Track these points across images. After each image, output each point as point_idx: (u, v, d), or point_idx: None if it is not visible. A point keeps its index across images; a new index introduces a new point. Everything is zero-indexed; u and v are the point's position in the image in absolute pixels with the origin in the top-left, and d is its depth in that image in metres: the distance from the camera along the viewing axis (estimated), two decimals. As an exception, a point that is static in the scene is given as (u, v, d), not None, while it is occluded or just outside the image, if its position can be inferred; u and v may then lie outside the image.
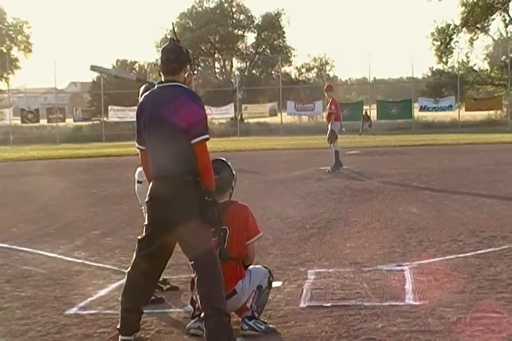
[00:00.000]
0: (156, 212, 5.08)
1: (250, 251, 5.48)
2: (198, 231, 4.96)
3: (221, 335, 4.91)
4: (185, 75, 5.26)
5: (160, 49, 5.35)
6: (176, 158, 5.00)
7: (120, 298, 5.32)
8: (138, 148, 5.29)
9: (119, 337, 5.20)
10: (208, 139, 5.04)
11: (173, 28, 5.83)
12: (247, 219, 5.47)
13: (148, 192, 5.15)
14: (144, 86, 6.39)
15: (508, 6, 53.22)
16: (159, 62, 5.21)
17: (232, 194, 5.67)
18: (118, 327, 5.24)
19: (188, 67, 5.26)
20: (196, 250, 5.00)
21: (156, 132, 5.07)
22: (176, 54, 5.18)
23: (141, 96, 5.47)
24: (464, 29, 54.28)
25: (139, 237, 5.23)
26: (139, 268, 5.21)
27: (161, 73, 5.21)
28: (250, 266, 5.53)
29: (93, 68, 6.62)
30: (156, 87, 5.25)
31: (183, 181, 4.97)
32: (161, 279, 6.57)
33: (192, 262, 5.08)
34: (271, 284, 5.60)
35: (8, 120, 49.31)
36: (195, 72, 5.46)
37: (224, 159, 5.74)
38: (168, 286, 6.76)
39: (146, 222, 5.21)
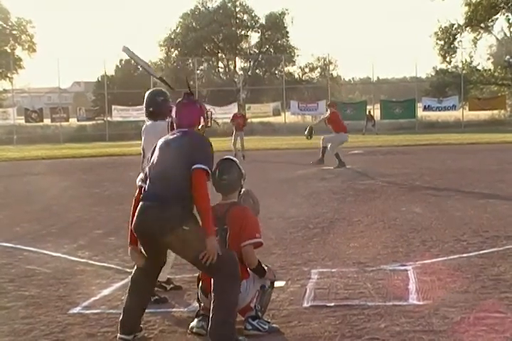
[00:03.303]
0: (148, 244, 5.18)
1: (244, 254, 5.31)
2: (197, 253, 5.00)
3: (224, 334, 4.93)
4: (199, 127, 5.47)
5: (174, 101, 5.62)
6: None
7: (124, 297, 5.35)
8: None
9: (118, 335, 5.23)
10: (207, 172, 5.06)
11: (188, 83, 5.86)
12: (245, 221, 5.38)
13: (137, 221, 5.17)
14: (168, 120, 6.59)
15: (511, 5, 53.12)
16: (173, 115, 5.47)
17: (240, 192, 5.65)
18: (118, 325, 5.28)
19: (202, 119, 5.47)
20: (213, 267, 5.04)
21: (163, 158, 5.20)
22: (190, 111, 5.40)
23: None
24: (467, 28, 54.19)
25: None
26: (141, 270, 5.27)
27: (175, 125, 5.48)
28: None
29: (125, 50, 6.54)
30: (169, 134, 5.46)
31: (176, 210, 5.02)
32: (164, 279, 6.60)
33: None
34: (273, 283, 5.60)
35: (12, 119, 49.39)
36: (209, 124, 5.60)
37: (233, 158, 5.74)
38: (171, 286, 6.77)
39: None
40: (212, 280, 5.12)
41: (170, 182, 5.02)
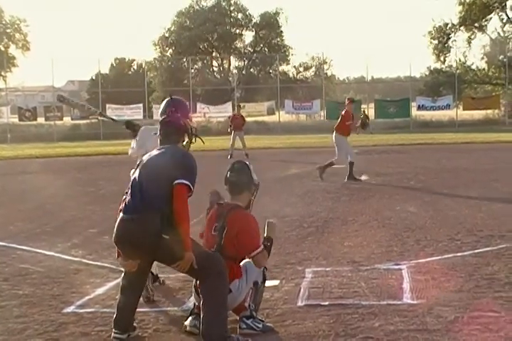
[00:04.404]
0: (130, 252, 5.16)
1: (256, 261, 5.39)
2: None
3: (216, 333, 4.93)
4: (184, 143, 5.45)
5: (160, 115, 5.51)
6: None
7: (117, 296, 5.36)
8: None
9: (112, 334, 5.24)
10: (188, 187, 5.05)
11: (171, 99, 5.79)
12: (245, 230, 5.41)
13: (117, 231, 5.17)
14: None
15: (505, 5, 53.16)
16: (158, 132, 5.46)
17: (253, 202, 5.68)
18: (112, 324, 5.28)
19: (186, 136, 5.46)
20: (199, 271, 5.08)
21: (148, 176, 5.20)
22: (174, 128, 5.38)
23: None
24: (461, 28, 54.23)
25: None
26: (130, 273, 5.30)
27: (159, 140, 5.44)
28: (245, 261, 5.48)
29: (59, 98, 6.78)
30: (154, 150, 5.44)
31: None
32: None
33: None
34: (265, 279, 5.61)
35: (5, 118, 49.21)
36: (194, 140, 5.55)
37: (246, 162, 5.79)
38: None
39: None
40: (199, 280, 5.16)
41: (150, 195, 5.06)
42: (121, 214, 5.18)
